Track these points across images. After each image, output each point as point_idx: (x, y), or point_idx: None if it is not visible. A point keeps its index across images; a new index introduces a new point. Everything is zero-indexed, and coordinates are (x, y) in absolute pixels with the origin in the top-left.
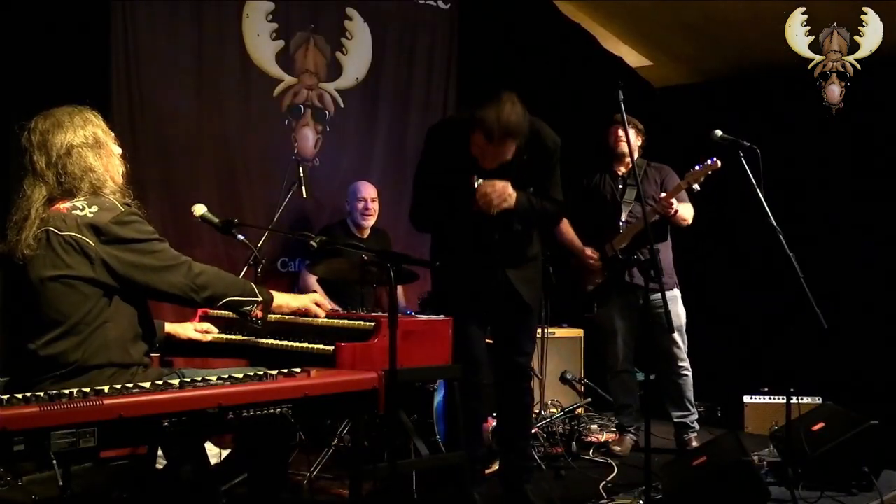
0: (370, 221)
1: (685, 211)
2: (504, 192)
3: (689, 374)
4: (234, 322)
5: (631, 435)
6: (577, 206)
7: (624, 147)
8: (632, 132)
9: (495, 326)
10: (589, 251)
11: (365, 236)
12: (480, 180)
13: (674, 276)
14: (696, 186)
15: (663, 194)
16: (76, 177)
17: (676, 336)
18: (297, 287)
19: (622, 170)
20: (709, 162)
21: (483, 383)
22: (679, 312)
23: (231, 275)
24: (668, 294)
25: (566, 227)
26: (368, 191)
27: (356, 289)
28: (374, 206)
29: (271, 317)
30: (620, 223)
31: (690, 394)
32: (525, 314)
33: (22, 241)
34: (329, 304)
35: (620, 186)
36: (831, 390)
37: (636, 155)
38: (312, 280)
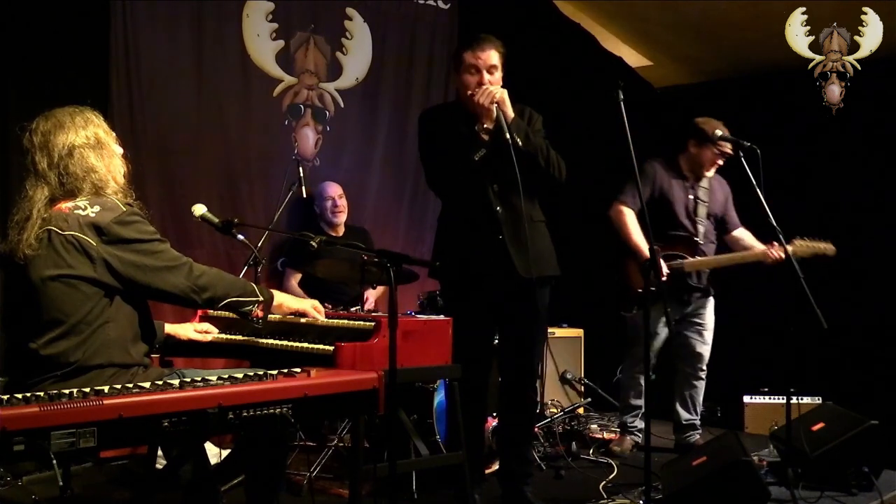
0: (341, 218)
1: None
2: (498, 85)
3: (705, 378)
4: (234, 322)
5: (633, 435)
6: (651, 209)
7: (712, 172)
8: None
9: (505, 325)
10: (665, 268)
11: (340, 234)
12: (482, 151)
13: (710, 282)
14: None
15: (775, 249)
16: (78, 177)
17: (708, 339)
18: (283, 289)
19: (691, 180)
20: (827, 245)
21: (484, 383)
22: (712, 318)
23: (231, 275)
24: (707, 299)
25: (633, 222)
26: (334, 189)
27: (346, 289)
28: (343, 203)
29: (271, 317)
30: (699, 243)
31: (701, 397)
32: (532, 299)
33: (23, 240)
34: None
35: (692, 198)
36: (831, 390)
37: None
38: (294, 282)
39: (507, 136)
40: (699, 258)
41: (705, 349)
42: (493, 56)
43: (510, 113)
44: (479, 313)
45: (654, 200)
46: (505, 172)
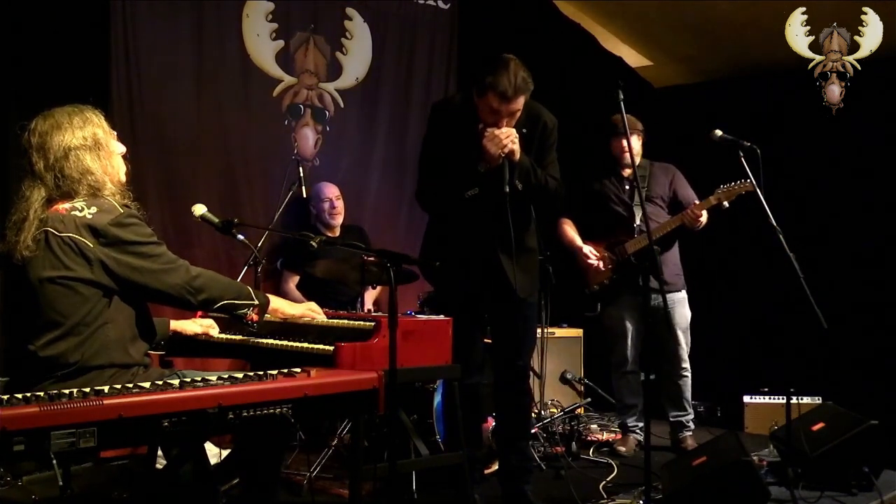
0: (339, 220)
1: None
2: (511, 133)
3: (689, 375)
4: (234, 322)
5: (635, 434)
6: (586, 210)
7: (628, 158)
8: (635, 138)
9: (494, 326)
10: (587, 250)
11: (336, 235)
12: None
13: (682, 276)
14: (725, 204)
15: (694, 204)
16: (74, 179)
17: (681, 337)
18: (280, 291)
19: (627, 171)
20: (743, 182)
21: (482, 383)
22: (685, 314)
23: (228, 278)
24: (675, 295)
25: (567, 226)
26: (331, 190)
27: (344, 289)
28: (340, 204)
29: (270, 317)
30: (635, 226)
31: (689, 394)
32: (521, 310)
33: (21, 242)
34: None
35: (627, 188)
36: (831, 390)
37: (639, 157)
38: (291, 285)
39: (507, 186)
40: (637, 238)
41: (681, 348)
42: (520, 104)
43: (517, 158)
44: (471, 317)
45: (596, 201)
46: (498, 208)
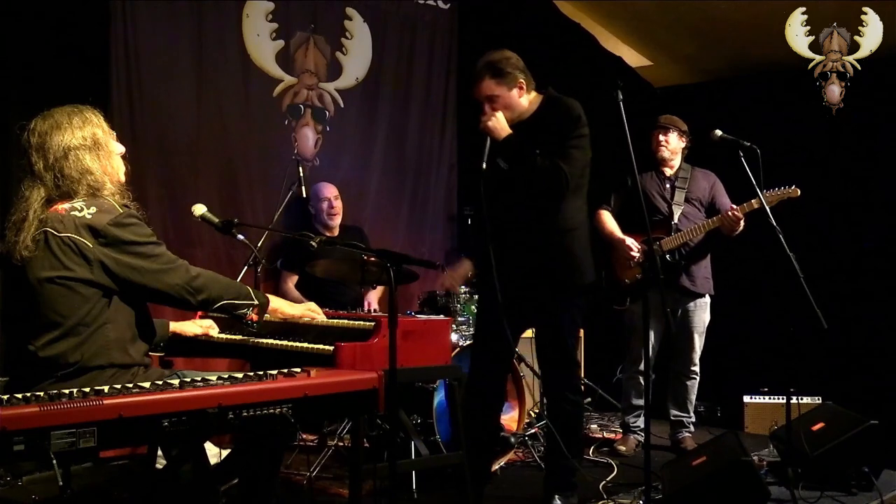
0: (337, 220)
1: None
2: (489, 113)
3: (698, 378)
4: (234, 322)
5: (636, 435)
6: (624, 203)
7: (664, 152)
8: (675, 135)
9: (534, 320)
10: (629, 241)
11: (335, 235)
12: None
13: (710, 281)
14: (768, 209)
15: (734, 207)
16: (73, 179)
17: (696, 340)
18: (280, 291)
19: (668, 171)
20: (789, 188)
21: (488, 379)
22: (704, 318)
23: (227, 278)
24: (700, 300)
25: (607, 218)
26: (329, 190)
27: (345, 290)
28: (338, 205)
29: (269, 318)
30: (673, 224)
31: (694, 396)
32: (544, 297)
33: (20, 242)
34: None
35: (668, 187)
36: (831, 390)
37: (681, 157)
38: (290, 285)
39: (484, 163)
40: (674, 235)
41: (694, 351)
42: (485, 87)
43: (498, 136)
44: (497, 309)
45: (630, 197)
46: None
